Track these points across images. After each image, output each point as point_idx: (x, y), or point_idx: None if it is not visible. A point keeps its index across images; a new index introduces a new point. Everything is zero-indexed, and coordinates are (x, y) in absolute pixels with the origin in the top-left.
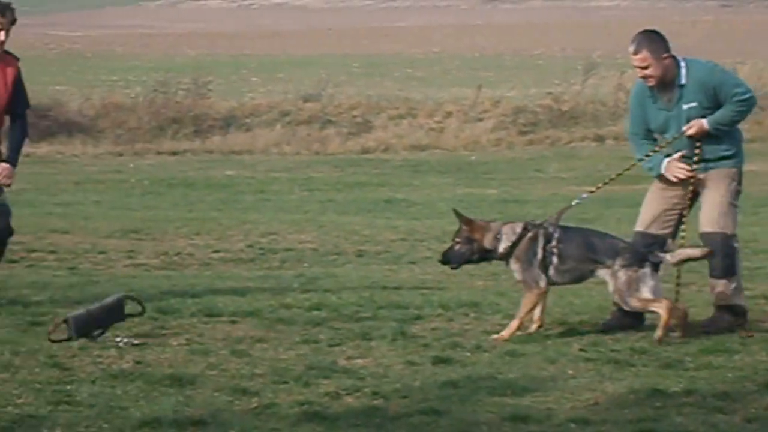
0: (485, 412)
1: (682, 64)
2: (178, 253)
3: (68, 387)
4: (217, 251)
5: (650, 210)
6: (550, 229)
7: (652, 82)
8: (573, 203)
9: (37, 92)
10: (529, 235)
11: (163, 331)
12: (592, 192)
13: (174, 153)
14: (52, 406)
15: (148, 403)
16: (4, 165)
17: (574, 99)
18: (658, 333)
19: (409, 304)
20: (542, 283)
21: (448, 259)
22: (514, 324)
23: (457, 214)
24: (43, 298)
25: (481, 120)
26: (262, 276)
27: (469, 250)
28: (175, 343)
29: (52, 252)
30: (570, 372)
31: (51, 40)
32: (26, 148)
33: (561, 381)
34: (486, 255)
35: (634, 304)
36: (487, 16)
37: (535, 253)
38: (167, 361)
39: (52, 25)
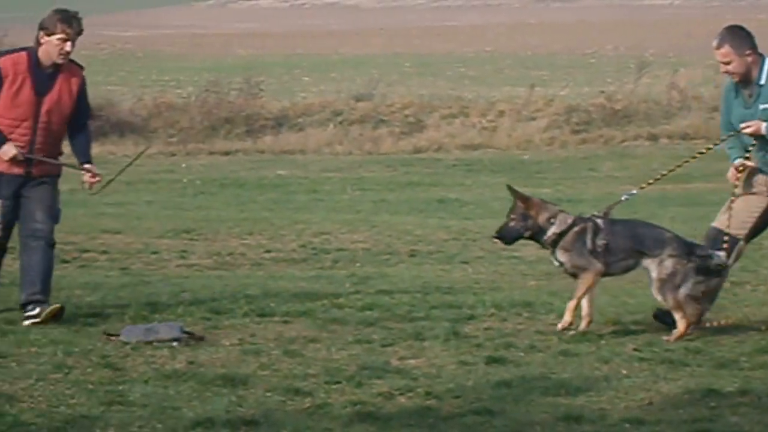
0: (539, 412)
1: (767, 62)
2: (231, 253)
3: (121, 387)
4: (269, 251)
5: (742, 213)
6: (599, 222)
7: (736, 78)
8: (622, 198)
9: (89, 92)
10: (577, 228)
11: (216, 331)
12: (642, 188)
13: (226, 153)
14: (104, 406)
15: (201, 403)
16: (90, 165)
17: (627, 98)
18: (671, 338)
19: (462, 304)
20: (598, 264)
21: (502, 234)
22: (571, 304)
23: (512, 190)
24: (96, 299)
25: (534, 119)
26: (315, 276)
27: (524, 227)
28: (227, 343)
29: (105, 252)
30: (624, 372)
31: (102, 40)
32: None
33: (615, 381)
34: (537, 234)
35: (669, 298)
36: (539, 15)
37: (584, 243)
38: (220, 361)
39: (103, 25)
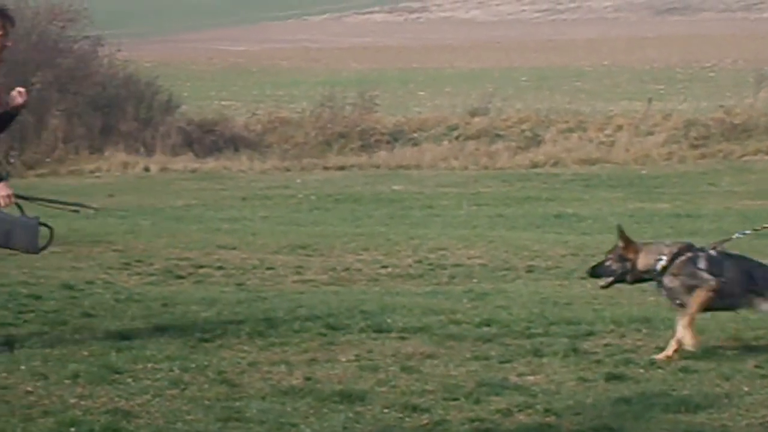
0: (659, 429)
1: None
2: (347, 269)
3: (237, 403)
4: (385, 267)
5: None
6: (712, 254)
7: None
8: (734, 236)
9: (203, 107)
10: (688, 255)
11: (332, 347)
12: (756, 230)
13: (341, 168)
14: (221, 422)
15: (318, 419)
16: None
17: (746, 112)
18: None
19: (581, 320)
20: (713, 282)
21: (597, 273)
22: (685, 321)
23: (621, 231)
24: (211, 314)
25: (651, 134)
26: (432, 291)
27: (621, 268)
28: (344, 359)
29: (220, 268)
30: (745, 389)
31: (215, 54)
32: (193, 164)
33: (736, 398)
34: (640, 276)
35: None
36: (657, 28)
37: (697, 267)
38: (336, 377)
39: (216, 40)
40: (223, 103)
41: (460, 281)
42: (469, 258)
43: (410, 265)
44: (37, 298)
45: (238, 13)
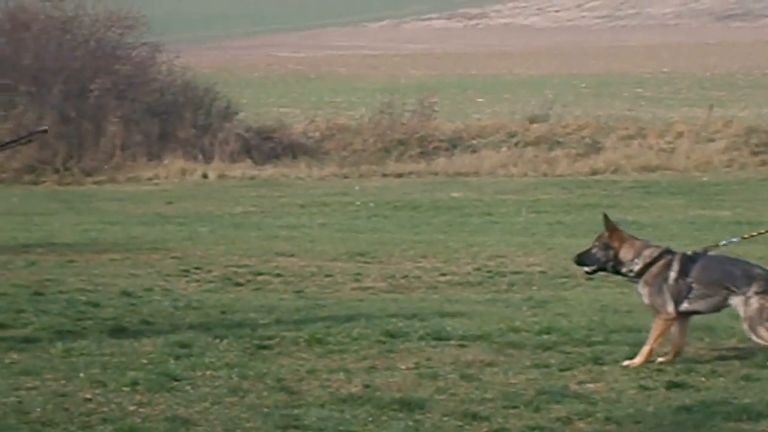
0: None
1: None
2: (405, 276)
3: (296, 411)
4: (444, 274)
5: None
6: (688, 254)
7: None
8: (720, 244)
9: (261, 114)
10: (663, 261)
11: (392, 355)
12: (744, 238)
13: (399, 175)
14: (280, 430)
15: (377, 427)
16: None
17: None
18: None
19: (642, 328)
20: (670, 309)
21: (582, 261)
22: (645, 350)
23: (606, 219)
24: (270, 322)
25: (712, 140)
26: (491, 299)
27: (604, 257)
28: (403, 367)
29: (279, 275)
30: None
31: (274, 61)
32: (251, 171)
33: None
34: (619, 267)
35: (762, 334)
36: (718, 35)
37: (665, 279)
38: (396, 385)
39: (275, 47)
40: (281, 109)
41: (519, 289)
42: (528, 265)
43: (469, 273)
44: (96, 305)
45: (297, 19)
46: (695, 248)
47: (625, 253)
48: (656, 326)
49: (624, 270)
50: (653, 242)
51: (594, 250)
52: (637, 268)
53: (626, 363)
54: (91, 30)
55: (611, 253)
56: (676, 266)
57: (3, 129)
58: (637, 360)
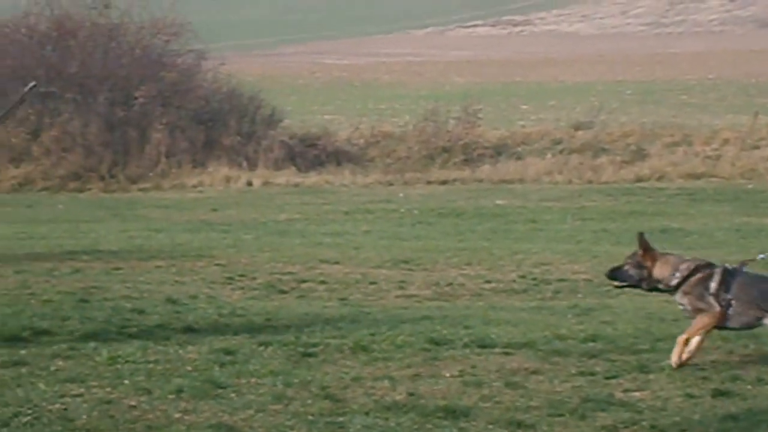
0: None
1: None
2: (450, 284)
3: (341, 419)
4: (488, 281)
5: None
6: (728, 268)
7: None
8: (759, 258)
9: (306, 121)
10: (702, 274)
11: (436, 362)
12: None
13: (444, 182)
14: None
15: None
16: None
17: None
18: None
19: None
20: (717, 308)
21: (614, 276)
22: (680, 339)
23: (641, 238)
24: (315, 329)
25: (758, 147)
26: (536, 307)
27: (637, 274)
28: (448, 375)
29: (323, 282)
30: None
31: (319, 68)
32: (295, 178)
33: None
34: (655, 285)
35: None
36: (763, 41)
37: (706, 289)
38: (440, 392)
39: (320, 54)
40: (326, 116)
41: (564, 296)
42: (573, 273)
43: (514, 280)
44: (141, 312)
45: (342, 27)
46: (740, 258)
47: (660, 271)
48: (700, 319)
49: (662, 286)
50: (687, 256)
51: (626, 267)
52: (675, 282)
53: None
54: (137, 37)
55: (644, 272)
56: (717, 278)
57: (49, 136)
58: (674, 357)
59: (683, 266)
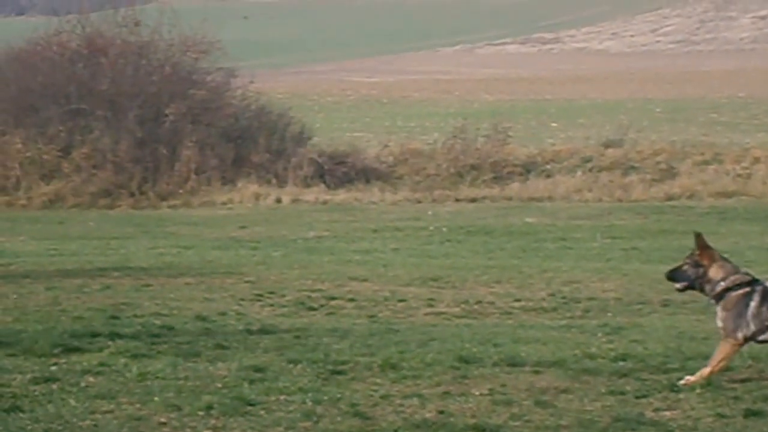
0: None
1: None
2: (479, 302)
3: None
4: (518, 300)
5: None
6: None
7: None
8: None
9: (335, 139)
10: (744, 290)
11: (465, 381)
12: None
13: (473, 200)
14: None
15: None
16: None
17: None
18: None
19: None
20: (739, 335)
21: (673, 277)
22: (705, 371)
23: (698, 237)
24: (344, 347)
25: None
26: (566, 325)
27: (694, 274)
28: (477, 393)
29: (352, 300)
30: None
31: (348, 86)
32: (324, 195)
33: None
34: (704, 285)
35: None
36: None
37: (746, 306)
38: (470, 410)
39: (349, 71)
40: (355, 134)
41: (594, 315)
42: (603, 291)
43: (543, 299)
44: (170, 329)
45: (371, 44)
46: None
47: (714, 273)
48: (722, 349)
49: (707, 288)
50: (743, 269)
51: (684, 267)
52: (719, 289)
53: (683, 382)
54: (167, 55)
55: (701, 270)
56: (757, 297)
57: (80, 153)
58: (693, 378)
59: (733, 277)
